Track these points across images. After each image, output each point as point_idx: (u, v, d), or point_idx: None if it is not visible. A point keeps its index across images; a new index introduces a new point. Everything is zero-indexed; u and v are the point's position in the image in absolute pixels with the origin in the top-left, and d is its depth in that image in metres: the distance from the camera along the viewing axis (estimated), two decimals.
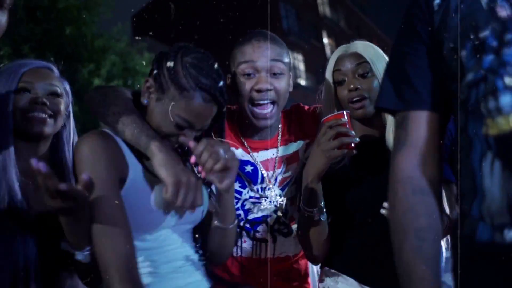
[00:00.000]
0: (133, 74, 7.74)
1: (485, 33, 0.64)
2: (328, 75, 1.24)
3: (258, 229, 1.29)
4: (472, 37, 0.65)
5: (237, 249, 1.30)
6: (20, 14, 6.30)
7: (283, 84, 1.22)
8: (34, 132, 1.04)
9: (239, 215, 1.29)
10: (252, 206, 1.29)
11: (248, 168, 1.28)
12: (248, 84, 1.20)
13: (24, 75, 1.07)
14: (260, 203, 1.29)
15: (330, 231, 1.14)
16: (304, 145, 1.33)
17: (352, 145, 1.02)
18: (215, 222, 1.04)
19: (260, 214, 1.29)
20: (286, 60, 1.25)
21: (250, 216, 1.29)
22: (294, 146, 1.32)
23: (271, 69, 1.19)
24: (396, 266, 0.72)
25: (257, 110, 1.21)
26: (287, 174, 1.30)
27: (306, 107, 1.40)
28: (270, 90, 1.19)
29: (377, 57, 1.17)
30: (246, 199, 1.29)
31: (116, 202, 0.87)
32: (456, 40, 0.68)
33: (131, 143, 0.94)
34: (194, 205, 0.89)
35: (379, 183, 0.84)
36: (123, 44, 7.77)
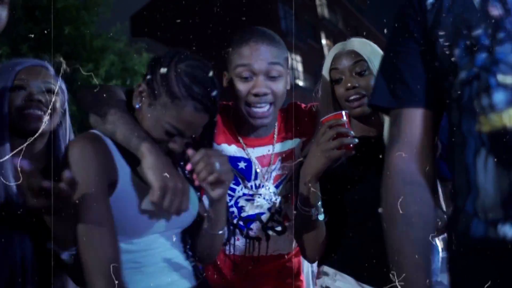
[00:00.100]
0: (132, 74, 7.74)
1: (477, 32, 0.65)
2: (325, 73, 1.23)
3: (251, 226, 1.28)
4: (465, 35, 0.67)
5: (230, 247, 1.29)
6: (19, 14, 6.30)
7: (280, 86, 1.19)
8: (30, 129, 1.04)
9: (233, 212, 1.28)
10: (245, 203, 1.28)
11: (242, 165, 1.27)
12: (245, 87, 1.17)
13: (19, 73, 1.08)
14: (254, 200, 1.28)
15: (328, 230, 1.14)
16: (301, 143, 1.31)
17: (351, 145, 1.02)
18: (205, 227, 1.05)
19: (253, 212, 1.28)
20: (284, 60, 1.22)
21: (244, 214, 1.28)
22: (290, 144, 1.31)
23: (268, 72, 1.16)
24: (387, 255, 0.73)
25: (253, 109, 1.19)
26: (282, 171, 1.29)
27: (303, 105, 1.39)
28: (267, 94, 1.17)
29: (374, 55, 1.15)
30: (239, 196, 1.28)
31: (103, 206, 0.88)
32: (449, 39, 0.69)
33: (122, 144, 0.93)
34: (179, 210, 0.90)
35: (377, 182, 0.84)
36: (121, 44, 7.77)
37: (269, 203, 1.28)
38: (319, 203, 1.09)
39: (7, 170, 0.98)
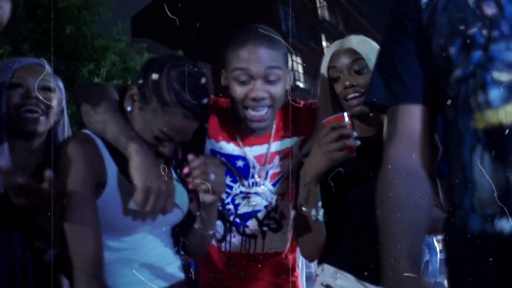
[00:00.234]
0: (133, 74, 7.73)
1: (473, 30, 0.66)
2: (323, 71, 1.22)
3: (247, 224, 1.29)
4: (460, 34, 0.68)
5: (226, 244, 1.30)
6: (20, 13, 6.31)
7: (278, 89, 1.17)
8: (28, 131, 1.06)
9: (229, 209, 1.29)
10: (242, 201, 1.28)
11: (240, 163, 1.27)
12: (242, 91, 1.15)
13: (16, 71, 1.09)
14: (250, 198, 1.28)
15: (328, 228, 1.13)
16: (299, 142, 1.31)
17: (353, 147, 1.01)
18: (196, 227, 1.07)
19: (250, 209, 1.29)
20: (283, 62, 1.19)
21: (240, 211, 1.29)
22: (288, 142, 1.30)
23: (266, 76, 1.14)
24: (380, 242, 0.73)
25: (251, 113, 1.17)
26: (278, 169, 1.29)
27: (302, 102, 1.38)
28: (265, 98, 1.16)
29: (373, 53, 1.13)
30: (236, 194, 1.28)
31: (89, 206, 0.89)
32: (444, 37, 0.70)
33: (113, 144, 0.94)
34: (164, 212, 0.91)
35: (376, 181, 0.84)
36: (123, 44, 7.77)
37: (265, 201, 1.29)
38: (319, 203, 1.09)
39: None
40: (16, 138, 1.06)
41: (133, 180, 0.89)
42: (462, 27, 0.67)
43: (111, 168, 0.95)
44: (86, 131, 0.98)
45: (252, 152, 1.27)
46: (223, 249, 1.31)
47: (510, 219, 0.62)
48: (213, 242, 1.32)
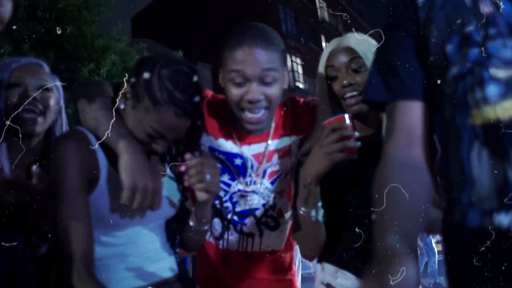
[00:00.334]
0: None
1: (470, 28, 0.67)
2: (321, 70, 1.21)
3: (245, 222, 1.29)
4: (457, 32, 0.68)
5: (223, 242, 1.30)
6: (21, 13, 6.31)
7: (275, 90, 1.15)
8: (25, 131, 1.08)
9: (227, 207, 1.29)
10: (240, 199, 1.28)
11: (238, 161, 1.27)
12: (238, 92, 1.14)
13: (14, 71, 1.11)
14: (248, 196, 1.28)
15: (328, 227, 1.13)
16: (298, 140, 1.30)
17: (354, 149, 1.01)
18: (191, 223, 1.10)
19: (248, 207, 1.29)
20: (280, 63, 1.16)
21: (238, 209, 1.29)
22: (287, 140, 1.29)
23: (262, 78, 1.12)
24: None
25: (248, 115, 1.16)
26: (277, 168, 1.28)
27: (302, 99, 1.36)
28: (261, 100, 1.14)
29: (371, 51, 1.12)
30: (234, 192, 1.28)
31: (80, 202, 0.91)
32: (441, 35, 0.71)
33: (104, 140, 0.95)
34: (151, 208, 0.93)
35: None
36: (123, 44, 7.77)
37: (263, 199, 1.29)
38: (319, 204, 1.09)
39: (4, 168, 1.01)
40: (14, 137, 1.07)
41: (120, 177, 0.91)
42: (459, 25, 0.68)
43: (103, 165, 0.97)
44: (80, 128, 1.00)
45: (250, 150, 1.27)
46: (220, 246, 1.31)
47: (508, 214, 0.62)
48: (211, 240, 1.33)
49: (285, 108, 1.32)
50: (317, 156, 1.03)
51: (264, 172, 1.28)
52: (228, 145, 1.27)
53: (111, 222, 0.96)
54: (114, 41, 7.56)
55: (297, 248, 1.45)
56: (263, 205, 1.29)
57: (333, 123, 1.02)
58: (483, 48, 0.66)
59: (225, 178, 1.27)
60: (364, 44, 1.16)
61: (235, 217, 1.29)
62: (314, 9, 23.03)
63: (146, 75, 0.95)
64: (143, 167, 0.93)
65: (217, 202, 1.30)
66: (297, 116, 1.31)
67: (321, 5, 23.56)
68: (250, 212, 1.29)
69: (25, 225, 0.96)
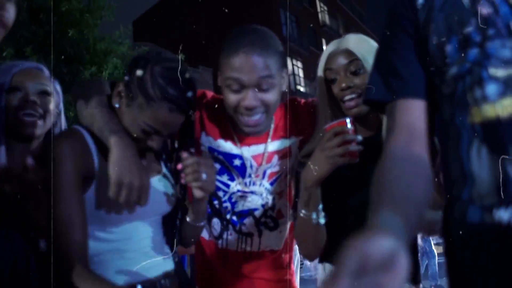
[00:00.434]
0: None
1: (469, 29, 0.69)
2: (320, 73, 1.20)
3: (244, 222, 1.29)
4: (456, 32, 0.70)
5: (222, 242, 1.31)
6: (23, 16, 6.35)
7: (271, 96, 1.14)
8: (26, 134, 1.09)
9: (226, 207, 1.29)
10: (239, 199, 1.28)
11: (237, 162, 1.27)
12: (234, 98, 1.13)
13: (15, 75, 1.12)
14: (247, 196, 1.28)
15: (328, 228, 1.12)
16: (298, 141, 1.29)
17: (356, 153, 1.00)
18: (187, 218, 1.12)
19: (247, 207, 1.29)
20: (278, 67, 1.14)
21: (237, 209, 1.29)
22: (287, 142, 1.29)
23: (259, 85, 1.11)
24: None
25: (245, 119, 1.16)
26: (277, 169, 1.28)
27: (303, 100, 1.35)
28: (258, 107, 1.14)
29: (370, 53, 1.11)
30: (233, 192, 1.28)
31: (75, 198, 0.93)
32: (440, 36, 0.72)
33: (98, 137, 0.98)
34: (138, 204, 0.94)
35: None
36: (125, 48, 7.80)
37: (262, 200, 1.29)
38: (320, 207, 1.09)
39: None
40: (14, 141, 1.08)
41: (109, 172, 0.93)
42: (458, 26, 0.69)
43: (99, 162, 0.98)
44: (77, 127, 1.02)
45: (250, 151, 1.27)
46: (219, 246, 1.31)
47: (508, 209, 0.63)
48: (211, 239, 1.34)
49: (285, 109, 1.32)
50: (318, 160, 1.03)
51: (264, 173, 1.28)
52: (228, 146, 1.27)
53: (107, 218, 0.97)
54: (116, 44, 7.60)
55: (296, 249, 1.46)
56: (262, 205, 1.29)
57: (335, 127, 1.01)
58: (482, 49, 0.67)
59: (224, 178, 1.29)
60: (363, 46, 1.15)
61: (234, 217, 1.30)
62: (315, 13, 23.11)
63: (138, 72, 0.97)
64: (131, 163, 0.94)
65: (216, 202, 1.30)
66: (298, 117, 1.31)
67: (322, 8, 23.65)
68: (249, 212, 1.30)
69: (23, 220, 0.97)
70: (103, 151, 0.98)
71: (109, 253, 0.99)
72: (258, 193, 1.29)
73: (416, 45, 0.76)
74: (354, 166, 1.11)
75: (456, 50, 0.70)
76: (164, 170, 1.13)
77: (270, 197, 1.30)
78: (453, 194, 0.71)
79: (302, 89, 20.52)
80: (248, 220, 1.29)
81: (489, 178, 0.65)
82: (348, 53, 1.15)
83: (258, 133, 1.24)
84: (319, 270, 1.26)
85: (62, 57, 6.55)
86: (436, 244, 5.42)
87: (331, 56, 1.18)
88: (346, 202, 1.15)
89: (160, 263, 1.06)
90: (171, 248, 1.13)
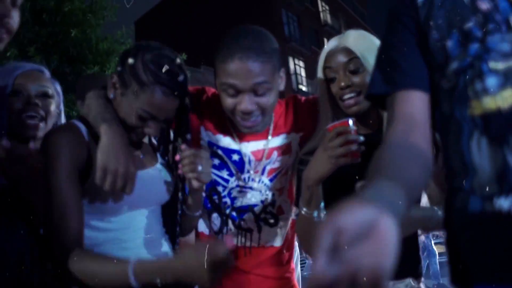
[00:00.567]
0: None
1: (469, 25, 0.70)
2: (320, 71, 1.20)
3: (244, 217, 1.30)
4: (457, 28, 0.71)
5: (222, 237, 1.31)
6: (26, 17, 6.37)
7: (268, 99, 1.14)
8: (27, 136, 1.13)
9: (226, 202, 1.30)
10: (238, 194, 1.29)
11: (235, 157, 1.28)
12: (231, 102, 1.14)
13: (17, 77, 1.16)
14: (246, 192, 1.29)
15: None
16: (298, 138, 1.30)
17: (358, 153, 1.00)
18: (184, 209, 1.16)
19: (246, 203, 1.30)
20: (273, 70, 1.13)
21: (237, 204, 1.30)
22: (287, 138, 1.30)
23: (255, 90, 1.11)
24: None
25: (243, 121, 1.17)
26: (276, 165, 1.29)
27: (303, 98, 1.35)
28: (254, 110, 1.14)
29: (369, 51, 1.11)
30: (232, 188, 1.29)
31: (71, 188, 0.96)
32: (441, 32, 0.73)
33: (94, 127, 1.01)
34: (123, 192, 0.97)
35: None
36: (127, 47, 7.79)
37: (261, 196, 1.30)
38: (321, 205, 1.09)
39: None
40: (16, 142, 1.11)
41: (97, 158, 0.96)
42: (459, 22, 0.71)
43: (95, 153, 1.00)
44: (74, 120, 1.06)
45: (249, 147, 1.28)
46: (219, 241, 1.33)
47: (508, 197, 0.64)
48: (211, 234, 1.34)
49: (286, 106, 1.33)
50: (320, 159, 1.03)
51: (263, 169, 1.29)
52: (226, 141, 1.28)
53: (105, 208, 1.00)
54: (118, 44, 7.61)
55: (296, 246, 1.47)
56: (262, 201, 1.30)
57: (338, 127, 1.02)
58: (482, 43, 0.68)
59: (224, 173, 1.29)
60: (363, 44, 1.14)
61: (234, 213, 1.31)
62: (316, 12, 23.09)
63: (130, 60, 1.00)
64: (117, 150, 0.97)
65: (215, 197, 1.32)
66: (298, 114, 1.32)
67: (323, 8, 23.63)
68: (249, 208, 1.30)
69: (23, 206, 1.01)
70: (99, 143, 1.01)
71: (108, 243, 1.01)
72: (257, 189, 1.29)
73: (417, 41, 0.77)
74: (355, 164, 1.13)
75: (457, 45, 0.71)
76: (161, 160, 1.16)
77: (269, 193, 1.30)
78: (454, 186, 0.72)
79: (304, 88, 20.51)
80: (247, 216, 1.30)
81: (489, 168, 0.66)
82: (347, 51, 1.15)
83: (256, 131, 1.25)
84: None
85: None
86: (437, 243, 5.42)
87: (330, 54, 1.18)
88: (347, 199, 1.16)
89: (158, 253, 1.08)
90: (171, 238, 1.15)
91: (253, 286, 1.31)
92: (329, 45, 1.20)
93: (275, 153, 1.29)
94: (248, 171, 1.29)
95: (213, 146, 1.30)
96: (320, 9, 23.41)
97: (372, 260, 0.42)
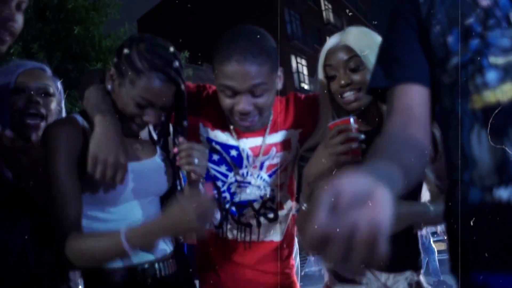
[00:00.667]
0: None
1: (470, 21, 0.72)
2: (320, 69, 1.20)
3: (243, 212, 1.31)
4: (458, 24, 0.72)
5: (222, 232, 1.33)
6: (30, 14, 6.40)
7: (265, 99, 1.15)
8: (29, 136, 1.15)
9: (225, 197, 1.31)
10: (237, 189, 1.30)
11: (233, 153, 1.29)
12: (229, 102, 1.16)
13: (19, 75, 1.19)
14: (245, 187, 1.30)
15: None
16: (298, 135, 1.31)
17: (359, 151, 1.00)
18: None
19: (245, 198, 1.31)
20: (271, 72, 1.14)
21: (236, 199, 1.31)
22: (285, 134, 1.31)
23: (252, 92, 1.12)
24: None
25: (241, 121, 1.19)
26: (275, 161, 1.30)
27: (303, 96, 1.36)
28: (251, 111, 1.15)
29: (370, 48, 1.11)
30: (231, 183, 1.30)
31: (69, 178, 0.98)
32: (442, 28, 0.75)
33: (91, 118, 1.03)
34: (114, 181, 0.99)
35: None
36: None
37: (260, 191, 1.31)
38: None
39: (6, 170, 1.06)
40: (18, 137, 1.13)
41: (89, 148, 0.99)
42: (460, 18, 0.72)
43: None
44: (74, 114, 1.08)
45: (248, 143, 1.29)
46: (219, 235, 1.33)
47: (507, 188, 0.65)
48: (211, 228, 1.35)
49: (286, 103, 1.34)
50: (321, 156, 1.04)
51: (262, 164, 1.30)
52: (224, 137, 1.30)
53: (105, 198, 1.02)
54: (121, 41, 7.55)
55: (296, 242, 1.47)
56: (261, 197, 1.31)
57: (339, 125, 1.02)
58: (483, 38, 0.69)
59: (223, 169, 1.31)
60: (363, 41, 1.14)
61: (233, 208, 1.32)
62: (319, 11, 23.05)
63: (125, 50, 1.03)
64: (109, 140, 0.99)
65: (215, 192, 1.33)
66: (297, 110, 1.33)
67: (326, 7, 23.58)
68: (248, 203, 1.32)
69: (26, 199, 1.03)
70: None
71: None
72: (256, 184, 1.30)
73: (418, 37, 0.79)
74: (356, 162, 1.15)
75: (458, 41, 0.72)
76: (160, 152, 1.18)
77: (268, 189, 1.31)
78: (455, 178, 0.73)
79: (306, 87, 20.49)
80: (247, 211, 1.32)
81: (489, 160, 0.68)
82: (348, 49, 1.15)
83: (254, 130, 1.27)
84: (328, 277, 1.26)
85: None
86: (436, 241, 5.43)
87: (331, 52, 1.18)
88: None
89: (159, 246, 1.09)
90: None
91: (252, 281, 1.32)
92: (329, 42, 1.20)
93: (274, 149, 1.30)
94: (246, 167, 1.30)
95: (211, 142, 1.31)
96: (323, 7, 23.36)
97: (370, 219, 0.44)
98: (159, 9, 23.09)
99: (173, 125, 1.19)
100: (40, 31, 6.71)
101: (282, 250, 1.37)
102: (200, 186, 1.02)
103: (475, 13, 0.71)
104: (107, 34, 7.51)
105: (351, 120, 1.02)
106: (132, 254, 0.94)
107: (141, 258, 1.04)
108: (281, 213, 1.34)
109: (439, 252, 5.17)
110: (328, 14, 23.56)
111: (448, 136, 0.75)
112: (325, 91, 1.20)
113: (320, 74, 1.22)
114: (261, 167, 1.30)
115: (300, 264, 2.08)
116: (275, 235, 1.35)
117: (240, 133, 1.29)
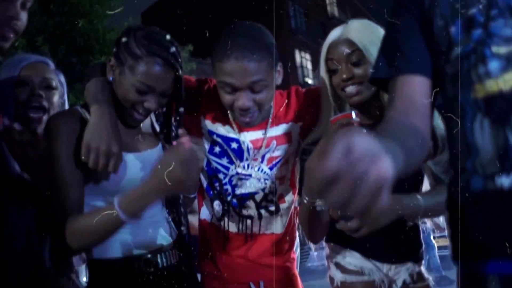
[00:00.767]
0: None
1: (472, 11, 0.72)
2: (322, 62, 1.21)
3: (244, 205, 1.32)
4: (460, 14, 0.73)
5: (224, 224, 1.34)
6: (34, 7, 6.41)
7: (265, 95, 1.16)
8: (32, 129, 1.18)
9: (227, 190, 1.32)
10: (239, 182, 1.32)
11: (234, 145, 1.30)
12: (229, 98, 1.17)
13: (23, 69, 1.21)
14: (246, 179, 1.31)
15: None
16: (299, 128, 1.32)
17: None
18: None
19: (247, 191, 1.32)
20: (269, 68, 1.14)
21: (238, 192, 1.32)
22: (286, 127, 1.32)
23: (252, 88, 1.13)
24: None
25: (241, 116, 1.20)
26: (276, 154, 1.31)
27: (304, 89, 1.37)
28: (251, 107, 1.16)
29: (372, 42, 1.11)
30: (233, 175, 1.31)
31: (70, 167, 1.00)
32: (445, 18, 0.75)
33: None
34: (108, 170, 1.00)
35: None
36: None
37: (262, 184, 1.32)
38: None
39: (11, 160, 1.08)
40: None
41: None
42: (462, 8, 0.73)
43: None
44: (76, 107, 1.11)
45: (248, 136, 1.30)
46: (221, 228, 1.35)
47: (509, 176, 0.66)
48: (213, 221, 1.37)
49: (287, 97, 1.34)
50: None
51: (263, 157, 1.30)
52: (225, 130, 1.31)
53: (106, 187, 1.04)
54: None
55: (297, 236, 1.48)
56: (262, 189, 1.32)
57: (341, 119, 1.04)
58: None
59: (224, 161, 1.32)
60: (365, 35, 1.14)
61: (235, 200, 1.32)
62: (323, 6, 22.92)
63: (123, 39, 1.05)
64: (102, 129, 1.00)
65: (217, 184, 1.34)
66: (299, 104, 1.33)
67: (330, 1, 23.44)
68: (250, 195, 1.32)
69: (32, 190, 1.06)
70: None
71: None
72: (257, 177, 1.31)
73: (421, 28, 0.79)
74: None
75: (460, 31, 0.73)
76: (161, 144, 1.20)
77: (270, 182, 1.32)
78: (457, 166, 0.74)
79: (310, 81, 20.44)
80: (248, 203, 1.33)
81: (491, 148, 0.68)
82: (349, 43, 1.15)
83: (255, 125, 1.27)
84: (326, 248, 1.29)
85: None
86: (437, 237, 5.41)
87: (333, 46, 1.19)
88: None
89: (160, 235, 1.11)
90: (174, 220, 1.18)
91: (253, 274, 1.34)
92: (332, 35, 1.22)
93: (274, 142, 1.31)
94: (247, 159, 1.31)
95: (213, 135, 1.32)
96: (327, 2, 23.23)
97: (377, 171, 0.46)
98: (163, 2, 23.03)
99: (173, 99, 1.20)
100: (44, 24, 6.72)
101: (283, 243, 1.38)
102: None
103: (478, 3, 0.72)
104: (111, 27, 7.51)
105: (353, 114, 1.03)
106: (128, 222, 0.95)
107: (143, 248, 1.06)
108: (283, 206, 1.35)
109: (440, 248, 5.17)
110: (332, 8, 23.42)
111: (451, 125, 0.76)
112: (327, 85, 1.21)
113: (322, 68, 1.22)
114: (262, 160, 1.31)
115: (302, 258, 2.09)
116: (276, 228, 1.35)
117: (241, 127, 1.30)
